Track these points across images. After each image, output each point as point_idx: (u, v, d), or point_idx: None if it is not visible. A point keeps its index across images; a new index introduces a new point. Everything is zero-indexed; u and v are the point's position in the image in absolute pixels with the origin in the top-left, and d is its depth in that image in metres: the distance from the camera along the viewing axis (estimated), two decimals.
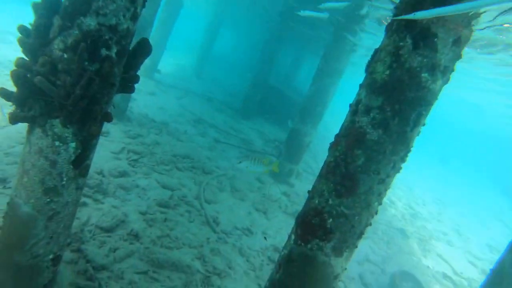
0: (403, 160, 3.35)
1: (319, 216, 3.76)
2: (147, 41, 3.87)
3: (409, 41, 3.10)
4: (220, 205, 8.35)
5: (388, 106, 3.21)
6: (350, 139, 3.49)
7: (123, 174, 7.27)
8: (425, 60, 2.93)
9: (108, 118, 3.60)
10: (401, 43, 3.15)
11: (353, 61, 13.15)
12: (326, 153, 3.83)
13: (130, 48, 3.83)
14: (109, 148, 8.08)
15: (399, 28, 3.12)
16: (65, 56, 3.23)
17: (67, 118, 3.31)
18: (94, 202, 6.01)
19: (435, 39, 2.84)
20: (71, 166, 3.52)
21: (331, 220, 3.65)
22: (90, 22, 3.16)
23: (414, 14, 2.63)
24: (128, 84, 3.93)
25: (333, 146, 3.76)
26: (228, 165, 10.76)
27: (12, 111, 3.26)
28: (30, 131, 3.41)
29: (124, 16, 3.29)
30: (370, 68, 3.46)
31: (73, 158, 3.50)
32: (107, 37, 3.26)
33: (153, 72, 16.05)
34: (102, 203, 6.13)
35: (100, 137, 8.69)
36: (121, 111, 9.79)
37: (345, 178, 3.51)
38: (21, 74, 3.09)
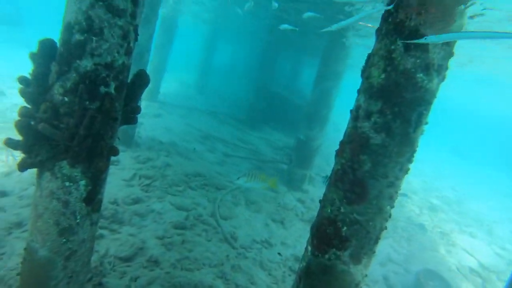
0: (409, 161, 3.32)
1: (333, 225, 3.74)
2: (144, 72, 3.94)
3: (399, 44, 3.10)
4: (237, 219, 8.35)
5: (388, 110, 3.20)
6: (354, 145, 3.48)
7: (137, 200, 7.35)
8: (418, 61, 2.92)
9: (114, 152, 3.67)
10: (392, 47, 3.15)
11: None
12: None
13: (129, 81, 3.92)
14: (120, 176, 8.18)
15: (388, 32, 3.12)
16: (66, 99, 3.31)
17: (74, 158, 3.39)
18: (111, 232, 6.08)
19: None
20: (84, 204, 3.59)
21: (345, 228, 3.63)
22: (86, 63, 3.24)
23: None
24: (130, 116, 4.00)
25: (338, 153, 3.75)
26: None
27: (19, 159, 3.34)
28: (39, 176, 3.50)
29: (118, 52, 3.37)
30: (365, 73, 3.46)
31: (84, 195, 3.57)
32: (104, 75, 3.34)
33: (156, 94, 16.27)
34: (119, 232, 6.20)
35: (111, 166, 8.77)
36: (129, 137, 9.93)
37: (354, 184, 3.49)
38: (24, 123, 3.18)
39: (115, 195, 7.24)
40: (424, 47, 2.86)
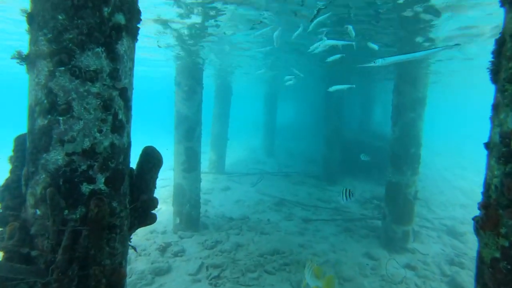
0: None
1: None
2: (151, 150, 2.84)
3: None
4: None
5: None
6: None
7: None
8: None
9: (119, 276, 2.47)
10: None
11: None
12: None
13: (135, 165, 2.86)
14: (185, 270, 7.05)
15: None
16: (38, 212, 2.29)
17: None
18: None
19: None
20: None
21: None
22: (55, 156, 2.23)
23: None
24: (143, 214, 2.85)
25: (488, 222, 2.03)
26: (327, 247, 8.90)
27: None
28: None
29: (100, 131, 2.33)
30: (504, 73, 1.87)
31: None
32: (84, 167, 2.28)
33: (222, 166, 15.70)
34: None
35: (175, 258, 7.67)
36: (193, 220, 8.99)
37: None
38: None
39: None
40: None
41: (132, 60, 2.58)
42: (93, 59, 2.25)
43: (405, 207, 8.93)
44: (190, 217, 8.93)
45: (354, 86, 7.22)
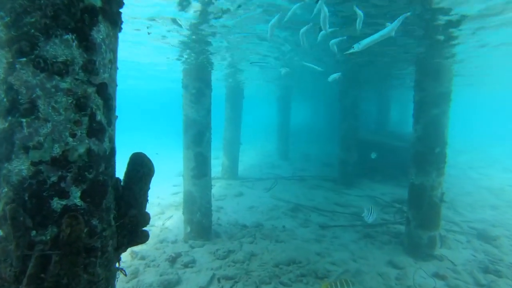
0: None
1: None
2: (141, 157, 2.44)
3: None
4: None
5: None
6: None
7: None
8: None
9: None
10: None
11: None
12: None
13: (123, 176, 2.47)
14: (196, 283, 6.65)
15: None
16: (1, 233, 1.92)
17: None
18: None
19: None
20: None
21: None
22: (19, 166, 1.85)
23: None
24: (133, 231, 2.44)
25: None
26: (346, 256, 8.35)
27: None
28: None
29: (73, 135, 1.94)
30: None
31: None
32: (54, 178, 1.90)
33: (235, 171, 15.31)
34: None
35: (185, 269, 7.28)
36: (205, 229, 8.58)
37: None
38: None
39: None
40: None
41: (113, 51, 2.19)
42: (61, 48, 1.86)
43: (430, 211, 8.30)
44: (201, 225, 8.53)
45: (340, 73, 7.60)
